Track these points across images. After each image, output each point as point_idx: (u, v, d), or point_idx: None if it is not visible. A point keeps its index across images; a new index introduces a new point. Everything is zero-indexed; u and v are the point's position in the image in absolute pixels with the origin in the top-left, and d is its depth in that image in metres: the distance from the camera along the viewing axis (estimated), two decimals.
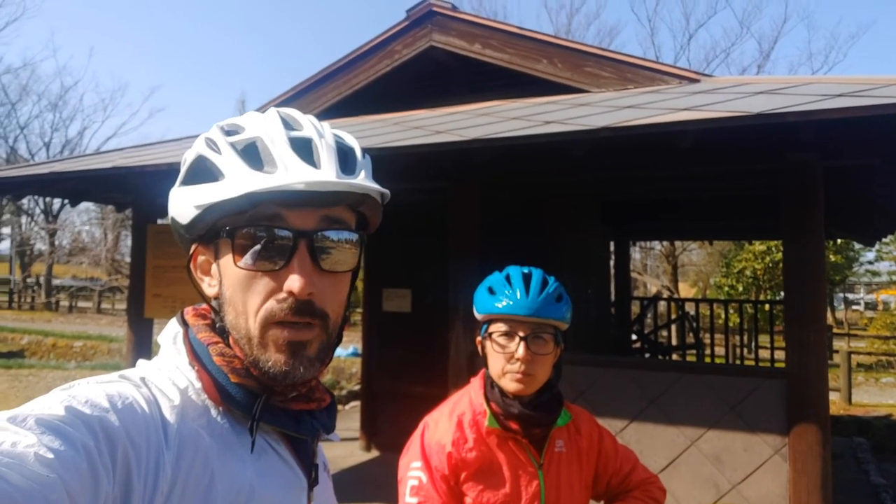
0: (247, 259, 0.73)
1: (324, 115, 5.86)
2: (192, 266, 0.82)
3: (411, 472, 1.57)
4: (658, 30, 70.71)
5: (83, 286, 34.07)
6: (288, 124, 0.79)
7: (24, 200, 30.49)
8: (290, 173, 0.72)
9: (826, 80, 4.16)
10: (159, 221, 5.76)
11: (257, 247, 0.73)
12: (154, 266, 5.62)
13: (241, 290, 0.75)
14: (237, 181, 0.73)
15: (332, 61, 6.14)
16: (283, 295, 0.73)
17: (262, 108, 6.35)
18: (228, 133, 0.78)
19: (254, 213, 0.73)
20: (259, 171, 0.73)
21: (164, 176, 4.43)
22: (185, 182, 0.79)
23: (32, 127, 37.91)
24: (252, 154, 0.75)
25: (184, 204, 0.77)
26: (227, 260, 0.76)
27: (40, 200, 33.23)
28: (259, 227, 0.73)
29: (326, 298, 0.76)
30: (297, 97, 6.15)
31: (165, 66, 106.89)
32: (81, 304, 32.15)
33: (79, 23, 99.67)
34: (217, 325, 0.80)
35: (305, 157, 0.74)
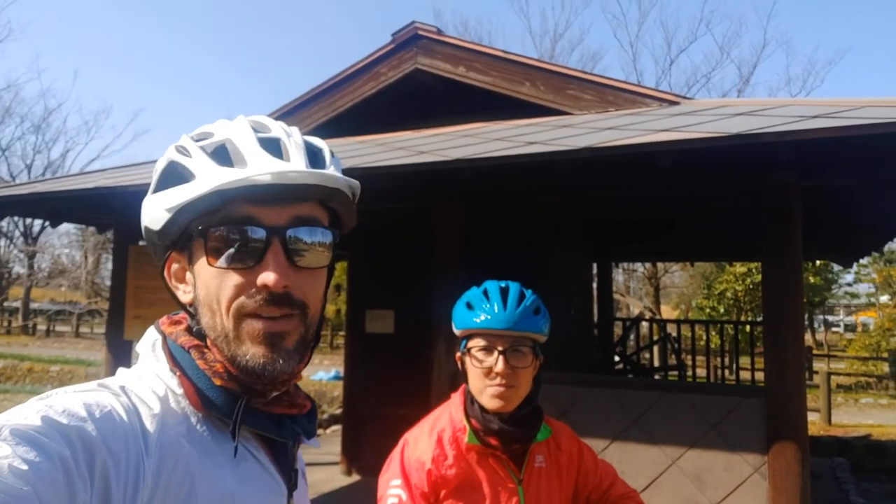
0: (221, 259, 0.74)
1: (310, 135, 5.88)
2: (166, 274, 0.83)
3: (391, 490, 1.55)
4: (640, 55, 71.83)
5: (61, 309, 33.59)
6: (256, 128, 0.80)
7: (4, 222, 30.12)
8: (257, 167, 0.74)
9: (803, 103, 4.25)
10: (141, 242, 5.72)
11: (231, 246, 0.74)
12: (135, 287, 5.56)
13: (214, 289, 0.75)
14: (206, 179, 0.74)
15: (319, 82, 6.19)
16: (254, 290, 0.74)
17: None
18: (198, 139, 0.79)
19: (225, 212, 0.74)
20: (228, 168, 0.74)
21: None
22: (157, 189, 0.79)
23: (14, 149, 37.54)
24: (222, 154, 0.76)
25: (156, 209, 0.78)
26: (201, 262, 0.76)
27: (20, 222, 32.84)
28: (232, 227, 0.74)
29: (305, 290, 0.77)
30: (283, 118, 6.15)
31: (150, 87, 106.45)
32: (59, 327, 31.70)
33: (64, 45, 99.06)
34: (194, 330, 0.80)
35: (274, 154, 0.76)
